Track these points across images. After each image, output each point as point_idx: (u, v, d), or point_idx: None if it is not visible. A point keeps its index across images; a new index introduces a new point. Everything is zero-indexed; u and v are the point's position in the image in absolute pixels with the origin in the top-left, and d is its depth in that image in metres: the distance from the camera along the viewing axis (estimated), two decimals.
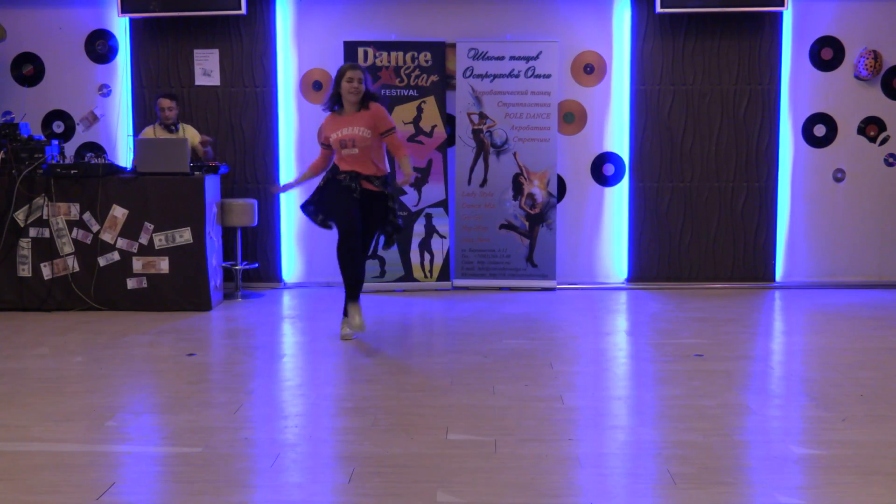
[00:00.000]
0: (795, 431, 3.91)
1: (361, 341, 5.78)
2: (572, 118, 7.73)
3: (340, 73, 5.57)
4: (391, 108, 7.27)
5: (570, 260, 7.81)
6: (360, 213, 5.53)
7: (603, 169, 7.77)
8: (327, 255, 7.72)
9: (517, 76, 7.50)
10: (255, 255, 7.76)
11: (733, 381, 4.69)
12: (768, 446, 3.69)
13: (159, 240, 6.61)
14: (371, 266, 7.51)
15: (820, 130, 7.68)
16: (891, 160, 7.69)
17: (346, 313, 5.74)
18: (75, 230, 6.62)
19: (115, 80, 7.79)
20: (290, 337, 6.06)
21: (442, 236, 7.64)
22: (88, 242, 6.62)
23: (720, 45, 7.60)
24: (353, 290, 5.65)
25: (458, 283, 7.65)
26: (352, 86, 5.52)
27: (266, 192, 7.70)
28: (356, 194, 5.51)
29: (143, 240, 6.61)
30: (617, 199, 7.80)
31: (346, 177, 5.53)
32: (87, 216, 6.60)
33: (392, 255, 7.50)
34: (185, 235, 6.62)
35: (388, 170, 5.72)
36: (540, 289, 7.59)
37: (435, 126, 7.57)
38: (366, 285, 7.42)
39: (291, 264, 7.88)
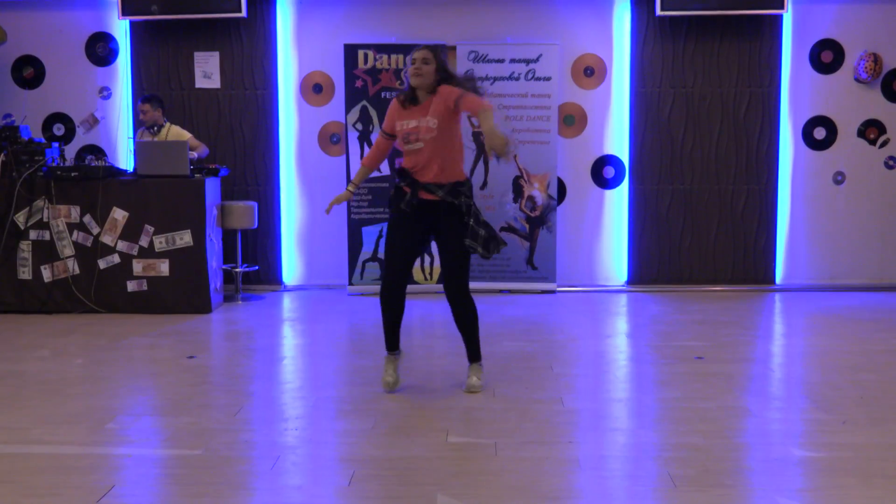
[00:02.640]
0: (795, 434, 3.90)
1: (361, 343, 5.79)
2: (572, 121, 7.73)
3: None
4: None
5: (570, 262, 7.80)
6: (412, 245, 4.44)
7: (603, 171, 7.77)
8: (327, 258, 7.74)
9: (517, 79, 7.50)
10: (256, 257, 7.76)
11: (733, 383, 4.69)
12: (768, 449, 3.69)
13: (159, 242, 6.61)
14: (371, 269, 7.51)
15: (820, 133, 7.69)
16: (891, 163, 7.69)
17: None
18: (75, 233, 6.62)
19: (116, 83, 7.79)
20: (290, 339, 6.06)
21: None
22: (89, 245, 6.62)
23: (720, 48, 7.60)
24: (388, 340, 4.62)
25: None
26: (413, 67, 4.28)
27: (266, 195, 7.71)
28: (409, 207, 4.33)
29: (144, 242, 6.61)
30: (617, 202, 7.80)
31: (403, 183, 4.40)
32: (87, 219, 6.60)
33: None
34: (185, 238, 6.62)
35: (465, 176, 4.41)
36: (540, 291, 7.59)
37: None
38: (366, 288, 7.50)
39: (291, 267, 7.87)
